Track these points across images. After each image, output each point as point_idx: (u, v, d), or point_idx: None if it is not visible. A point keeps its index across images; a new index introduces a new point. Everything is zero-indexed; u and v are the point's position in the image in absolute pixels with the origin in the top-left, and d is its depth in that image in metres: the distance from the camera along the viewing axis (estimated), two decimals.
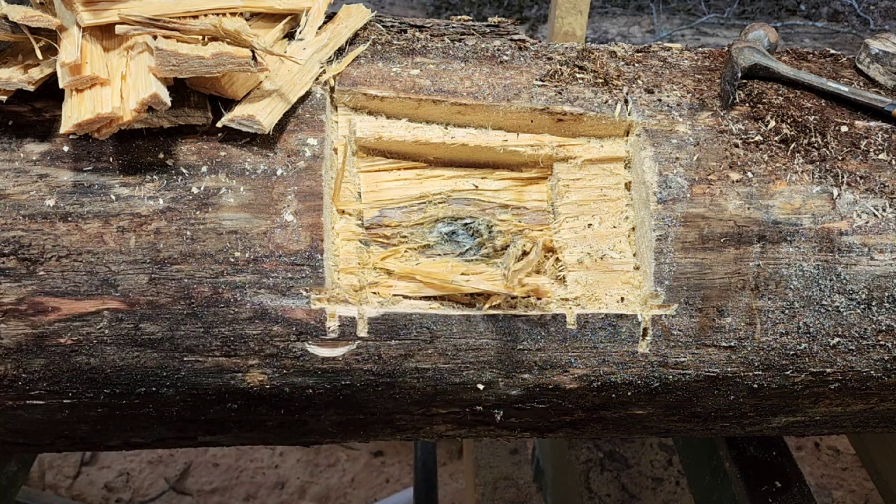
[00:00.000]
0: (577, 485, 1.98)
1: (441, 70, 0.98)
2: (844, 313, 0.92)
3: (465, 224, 0.95)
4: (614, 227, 0.95)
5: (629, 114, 0.97)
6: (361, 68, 0.97)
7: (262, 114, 0.85)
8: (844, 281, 0.91)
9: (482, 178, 0.98)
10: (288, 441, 1.06)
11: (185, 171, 0.85)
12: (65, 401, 0.88)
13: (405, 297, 0.89)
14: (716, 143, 0.95)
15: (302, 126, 0.90)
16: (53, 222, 0.82)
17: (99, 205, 0.83)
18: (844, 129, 0.99)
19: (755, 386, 0.95)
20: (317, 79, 0.94)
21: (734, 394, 0.97)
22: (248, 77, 0.88)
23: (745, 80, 1.04)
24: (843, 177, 0.94)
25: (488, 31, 1.08)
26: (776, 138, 0.97)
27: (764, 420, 1.05)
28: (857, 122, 1.01)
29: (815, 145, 0.96)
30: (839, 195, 0.93)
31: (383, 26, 1.06)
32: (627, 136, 0.98)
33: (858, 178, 0.94)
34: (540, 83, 0.98)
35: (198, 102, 0.87)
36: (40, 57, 0.84)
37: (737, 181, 0.93)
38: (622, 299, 0.91)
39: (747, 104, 1.01)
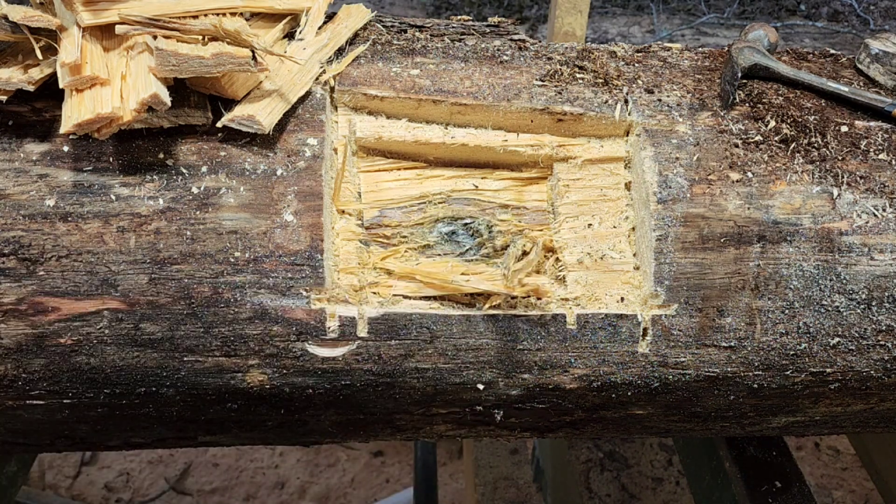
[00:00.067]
0: (577, 485, 1.98)
1: (441, 70, 0.98)
2: (844, 313, 0.92)
3: (465, 224, 0.95)
4: (614, 227, 0.95)
5: (629, 114, 0.97)
6: (361, 68, 0.97)
7: (262, 114, 0.85)
8: (844, 281, 0.91)
9: (482, 178, 0.98)
10: (288, 441, 1.06)
11: (185, 171, 0.85)
12: (65, 401, 0.88)
13: (405, 297, 0.89)
14: (716, 143, 0.95)
15: (302, 126, 0.90)
16: (53, 222, 0.82)
17: (99, 205, 0.83)
18: (844, 129, 0.99)
19: (755, 386, 0.95)
20: (317, 79, 0.94)
21: (734, 394, 0.97)
22: (248, 77, 0.88)
23: (745, 80, 1.04)
24: (843, 177, 0.94)
25: (488, 31, 1.08)
26: (776, 138, 0.97)
27: (764, 420, 1.05)
28: (857, 122, 1.01)
29: (815, 145, 0.96)
30: (839, 195, 0.93)
31: (383, 26, 1.06)
32: (627, 136, 0.98)
33: (858, 178, 0.94)
34: (540, 83, 0.98)
35: (198, 102, 0.87)
36: (40, 57, 0.84)
37: (737, 181, 0.93)
38: (622, 299, 0.91)
39: (747, 104, 1.01)
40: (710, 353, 0.92)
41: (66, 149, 0.85)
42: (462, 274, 0.88)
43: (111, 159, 0.85)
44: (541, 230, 0.96)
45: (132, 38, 0.83)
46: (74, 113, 0.78)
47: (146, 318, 0.83)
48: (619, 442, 2.65)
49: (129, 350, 0.84)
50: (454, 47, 1.03)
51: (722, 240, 0.90)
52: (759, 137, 0.96)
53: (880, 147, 0.98)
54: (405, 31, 1.06)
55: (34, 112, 0.87)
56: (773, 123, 0.98)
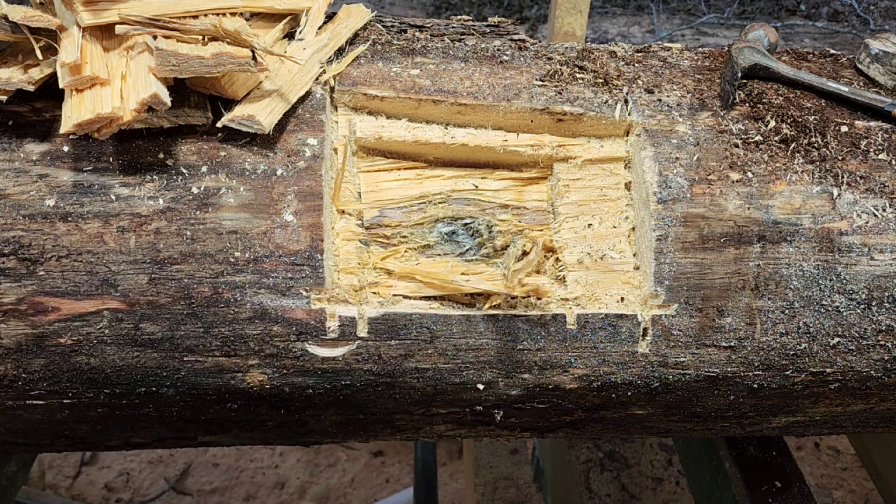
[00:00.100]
0: (577, 485, 1.98)
1: (441, 70, 0.98)
2: (844, 313, 0.92)
3: (465, 224, 0.95)
4: (614, 227, 0.95)
5: (629, 114, 0.97)
6: (361, 68, 0.97)
7: (262, 114, 0.85)
8: (844, 281, 0.91)
9: (482, 178, 0.98)
10: (288, 441, 1.06)
11: (185, 171, 0.85)
12: (65, 401, 0.88)
13: (405, 297, 0.89)
14: (716, 143, 0.95)
15: (302, 126, 0.90)
16: (53, 222, 0.82)
17: (99, 205, 0.83)
18: (844, 129, 0.99)
19: (755, 386, 0.95)
20: (317, 79, 0.94)
21: (734, 394, 0.97)
22: (248, 77, 0.88)
23: (745, 80, 1.04)
24: (843, 177, 0.94)
25: (488, 31, 1.08)
26: (776, 138, 0.97)
27: (764, 420, 1.05)
28: (857, 122, 1.01)
29: (815, 145, 0.96)
30: (839, 195, 0.93)
31: (383, 26, 1.06)
32: (627, 136, 0.98)
33: (858, 178, 0.94)
34: (540, 83, 0.98)
35: (198, 102, 0.87)
36: (40, 57, 0.84)
37: (737, 181, 0.93)
38: (622, 299, 0.91)
39: (747, 104, 1.01)
40: (710, 353, 0.92)
41: (66, 149, 0.85)
42: (462, 274, 0.88)
43: (111, 159, 0.85)
44: (541, 230, 0.96)
45: (132, 38, 0.83)
46: (74, 113, 0.78)
47: (146, 318, 0.83)
48: (619, 442, 2.65)
49: (129, 350, 0.84)
50: (454, 47, 1.03)
51: (722, 240, 0.90)
52: (759, 137, 0.96)
53: (880, 147, 0.98)
54: (405, 31, 1.06)
55: (34, 112, 0.87)
56: (773, 123, 0.98)
